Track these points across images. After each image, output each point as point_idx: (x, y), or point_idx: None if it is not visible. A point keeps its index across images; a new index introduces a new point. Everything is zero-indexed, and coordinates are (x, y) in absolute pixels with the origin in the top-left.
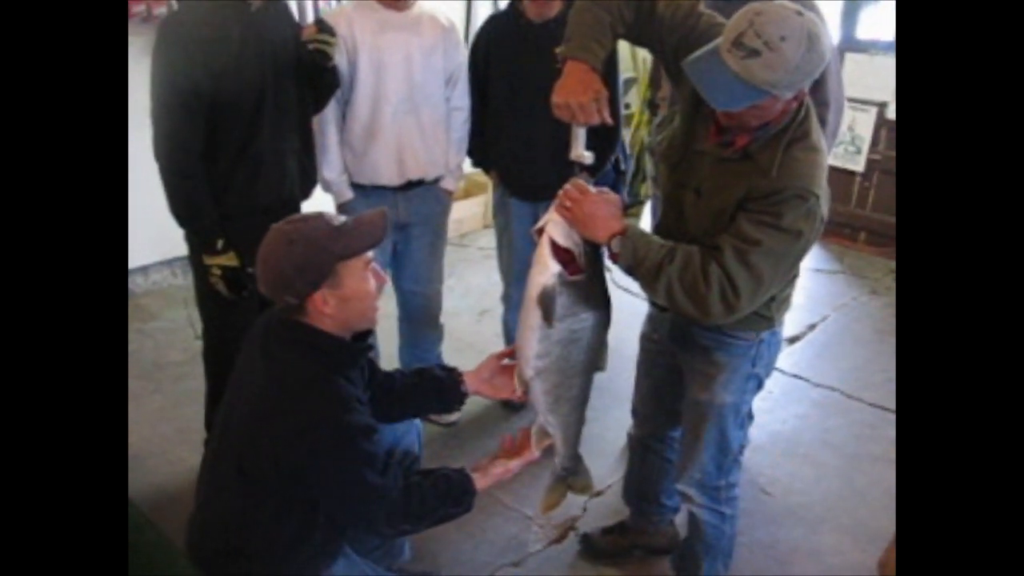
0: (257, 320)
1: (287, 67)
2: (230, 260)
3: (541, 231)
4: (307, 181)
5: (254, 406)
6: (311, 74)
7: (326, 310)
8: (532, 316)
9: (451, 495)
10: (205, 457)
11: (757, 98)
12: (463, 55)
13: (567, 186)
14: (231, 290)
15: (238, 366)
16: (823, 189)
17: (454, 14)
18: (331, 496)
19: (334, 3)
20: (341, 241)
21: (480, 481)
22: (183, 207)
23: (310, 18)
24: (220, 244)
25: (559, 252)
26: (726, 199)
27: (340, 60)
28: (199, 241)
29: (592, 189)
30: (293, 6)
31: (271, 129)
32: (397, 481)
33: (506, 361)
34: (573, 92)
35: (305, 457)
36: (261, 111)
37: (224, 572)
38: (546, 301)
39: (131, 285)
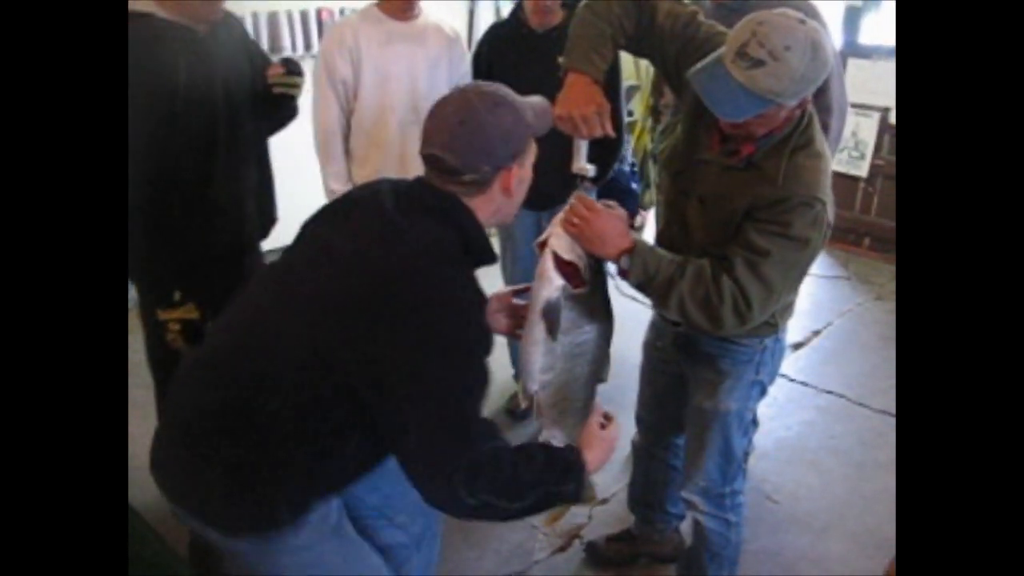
0: (370, 186)
1: (242, 99)
2: (189, 313)
3: (543, 245)
4: (266, 220)
5: (368, 276)
6: (269, 107)
7: (512, 186)
8: (536, 331)
9: (552, 466)
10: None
11: (762, 108)
12: (468, 65)
13: (573, 203)
14: (192, 346)
15: (317, 233)
16: (828, 195)
17: (456, 21)
18: (422, 419)
19: (338, 14)
20: (530, 114)
21: (589, 452)
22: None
23: (314, 31)
24: (177, 295)
25: (563, 266)
26: (732, 208)
27: (345, 70)
28: (153, 295)
29: (599, 204)
30: (297, 17)
31: (226, 171)
32: (485, 439)
33: (516, 300)
34: (575, 105)
35: (422, 361)
36: (214, 152)
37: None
38: (551, 315)
39: None
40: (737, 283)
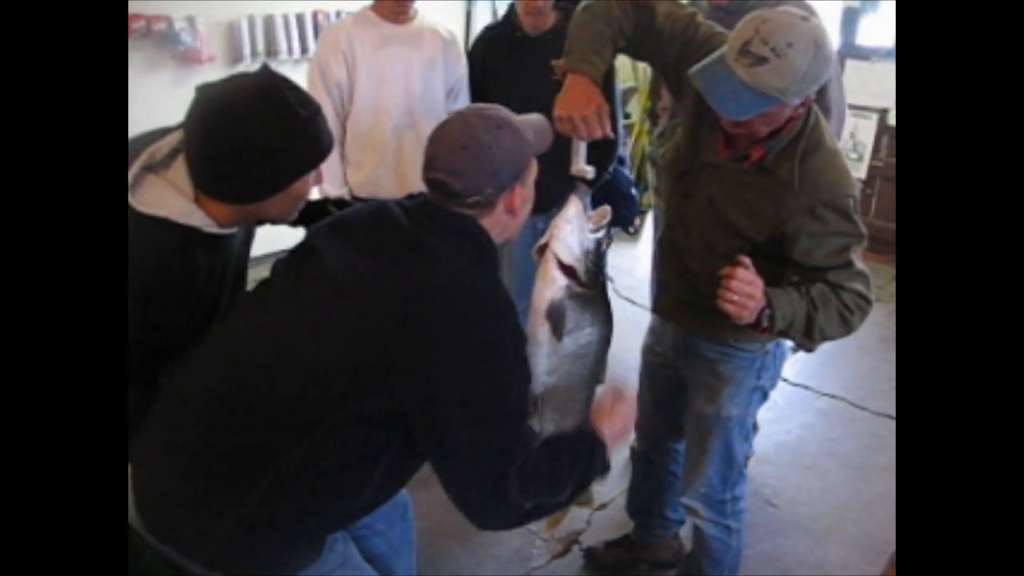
0: (373, 205)
1: (246, 261)
2: None
3: (542, 249)
4: None
5: (409, 295)
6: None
7: (516, 206)
8: (540, 332)
9: (576, 453)
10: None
11: (766, 105)
12: (464, 68)
13: (737, 280)
14: None
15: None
16: (853, 185)
17: (453, 23)
18: (478, 434)
19: (334, 17)
20: (530, 133)
21: (605, 425)
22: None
23: (310, 34)
24: None
25: (563, 269)
26: (748, 215)
27: (340, 74)
28: None
29: (753, 274)
30: (293, 20)
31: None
32: (528, 440)
33: None
34: (576, 106)
35: (478, 378)
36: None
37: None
38: (556, 315)
39: None
40: (852, 291)
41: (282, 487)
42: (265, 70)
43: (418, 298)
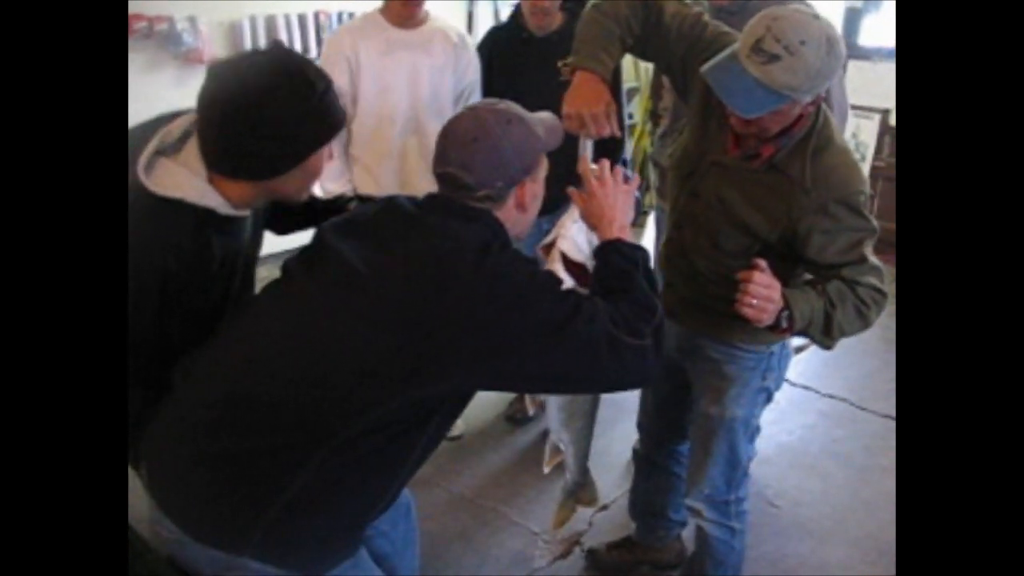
0: (380, 201)
1: (255, 257)
2: None
3: (548, 248)
4: None
5: (443, 285)
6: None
7: (526, 201)
8: None
9: (621, 270)
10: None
11: (778, 103)
12: (476, 73)
13: (755, 283)
14: None
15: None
16: (864, 182)
17: (455, 23)
18: (567, 360)
19: (336, 17)
20: (541, 129)
21: (607, 226)
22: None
23: (312, 34)
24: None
25: (570, 266)
26: (760, 213)
27: (342, 80)
28: None
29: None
30: (295, 20)
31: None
32: (597, 305)
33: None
34: (585, 103)
35: (540, 343)
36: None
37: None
38: None
39: None
40: (868, 285)
41: (328, 469)
42: (277, 45)
43: (441, 269)
